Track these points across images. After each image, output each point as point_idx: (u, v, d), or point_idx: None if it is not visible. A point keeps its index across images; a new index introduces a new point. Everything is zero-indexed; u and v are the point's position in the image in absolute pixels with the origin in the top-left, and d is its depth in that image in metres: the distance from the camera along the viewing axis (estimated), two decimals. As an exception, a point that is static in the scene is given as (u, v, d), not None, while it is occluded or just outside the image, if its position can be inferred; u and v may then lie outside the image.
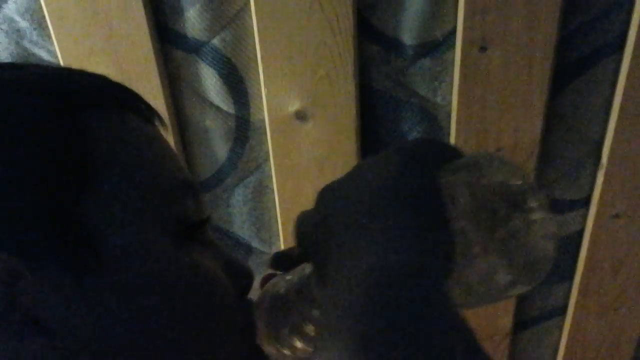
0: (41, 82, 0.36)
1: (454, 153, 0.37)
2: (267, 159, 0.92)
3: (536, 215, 0.32)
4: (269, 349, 0.43)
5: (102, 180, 0.34)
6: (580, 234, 1.02)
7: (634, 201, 0.96)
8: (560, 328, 1.14)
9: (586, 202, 0.99)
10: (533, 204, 0.32)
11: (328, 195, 0.37)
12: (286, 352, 0.42)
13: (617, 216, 0.98)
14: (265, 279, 0.47)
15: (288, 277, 0.44)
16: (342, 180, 0.37)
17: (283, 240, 0.98)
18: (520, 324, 1.14)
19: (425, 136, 0.36)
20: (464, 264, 0.32)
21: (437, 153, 0.36)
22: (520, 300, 1.09)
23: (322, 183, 1.01)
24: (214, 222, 0.99)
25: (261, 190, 0.95)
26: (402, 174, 0.34)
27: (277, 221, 0.97)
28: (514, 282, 0.33)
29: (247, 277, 0.43)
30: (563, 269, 1.07)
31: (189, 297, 0.37)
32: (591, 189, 0.97)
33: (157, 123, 0.42)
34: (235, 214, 0.98)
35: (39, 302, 0.31)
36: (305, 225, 0.38)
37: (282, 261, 0.45)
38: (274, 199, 0.95)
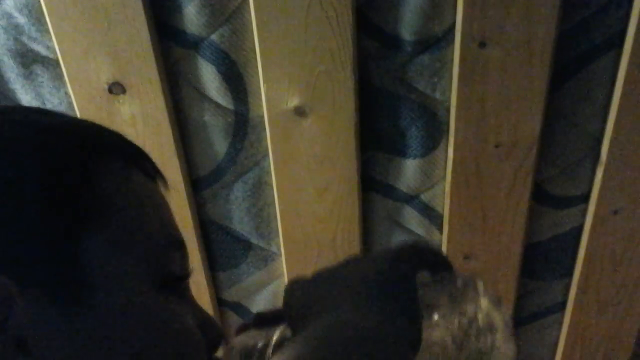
0: (64, 127, 0.40)
1: (436, 258, 0.43)
2: (266, 155, 0.92)
3: (499, 338, 0.38)
4: None
5: (103, 226, 0.37)
6: (579, 230, 1.02)
7: (633, 197, 0.96)
8: (560, 324, 1.15)
9: (585, 198, 0.99)
10: (498, 326, 0.38)
11: (321, 281, 0.42)
12: None
13: (616, 212, 0.98)
14: (239, 330, 0.50)
15: (258, 336, 0.47)
16: (337, 267, 0.43)
17: (282, 235, 0.98)
18: (520, 320, 1.14)
19: (411, 241, 0.42)
20: None
21: (419, 259, 0.42)
22: (519, 296, 1.09)
23: (321, 179, 1.01)
24: (213, 218, 0.99)
25: (260, 186, 0.95)
26: (386, 277, 0.39)
27: (276, 217, 0.97)
28: None
29: (219, 336, 0.46)
30: (562, 265, 1.07)
31: (163, 345, 0.39)
32: (590, 185, 0.97)
33: (160, 183, 0.46)
34: (234, 210, 0.98)
35: (26, 326, 0.33)
36: (294, 296, 0.43)
37: (260, 321, 0.49)
38: (273, 194, 0.95)
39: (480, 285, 0.39)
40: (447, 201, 0.96)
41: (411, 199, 0.97)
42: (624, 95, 0.86)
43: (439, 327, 0.37)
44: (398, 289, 0.38)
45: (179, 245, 0.43)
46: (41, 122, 0.40)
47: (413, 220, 1.00)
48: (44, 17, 0.81)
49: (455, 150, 0.90)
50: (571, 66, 0.86)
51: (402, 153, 0.93)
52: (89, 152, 0.39)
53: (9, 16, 0.82)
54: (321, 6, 0.79)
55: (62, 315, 0.34)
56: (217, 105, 0.88)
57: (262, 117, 0.89)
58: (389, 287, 0.39)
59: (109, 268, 0.37)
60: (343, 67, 0.83)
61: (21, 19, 0.82)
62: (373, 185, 0.96)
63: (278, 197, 0.95)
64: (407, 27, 0.82)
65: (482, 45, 0.82)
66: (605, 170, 0.93)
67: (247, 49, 0.84)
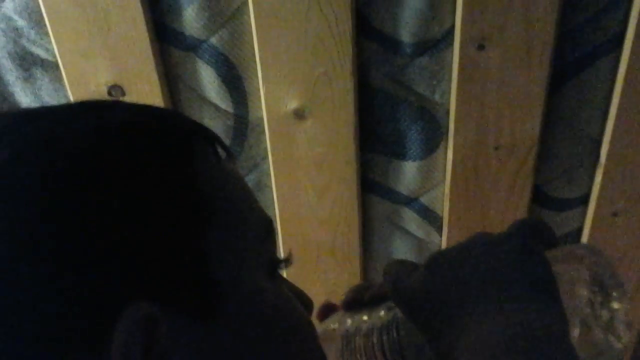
0: (151, 124, 0.36)
1: (553, 235, 0.41)
2: (265, 157, 0.92)
3: (618, 304, 0.37)
4: None
5: (217, 220, 0.35)
6: (579, 232, 1.02)
7: (633, 199, 0.96)
8: (559, 326, 1.14)
9: (585, 200, 0.98)
10: (616, 293, 0.38)
11: (443, 266, 0.39)
12: None
13: (615, 214, 0.98)
14: (324, 312, 0.50)
15: (359, 320, 0.46)
16: (456, 253, 0.40)
17: (281, 238, 0.98)
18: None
19: (531, 220, 0.40)
20: None
21: (544, 237, 0.40)
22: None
23: (320, 181, 1.00)
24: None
25: (260, 189, 0.95)
26: (520, 259, 0.37)
27: (275, 219, 0.97)
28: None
29: (311, 305, 0.45)
30: (562, 267, 1.07)
31: (289, 328, 0.39)
32: (590, 187, 0.97)
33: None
34: (234, 213, 0.98)
35: (171, 347, 0.31)
36: (406, 284, 0.40)
37: (351, 304, 0.48)
38: (273, 197, 0.95)
39: (595, 255, 0.39)
40: (447, 203, 0.96)
41: (411, 202, 0.97)
42: (623, 97, 0.86)
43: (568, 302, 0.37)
44: (537, 271, 0.36)
45: (271, 225, 0.41)
46: (121, 122, 0.34)
47: (412, 222, 1.00)
48: (44, 20, 0.81)
49: (454, 153, 0.90)
50: (570, 68, 0.86)
51: (402, 155, 0.93)
52: (186, 144, 0.36)
53: (9, 19, 0.82)
54: (320, 8, 0.79)
55: (202, 329, 0.33)
56: (217, 107, 0.88)
57: (262, 119, 0.89)
58: (527, 270, 0.36)
59: (232, 266, 0.35)
60: (342, 69, 0.83)
61: (21, 22, 0.82)
62: (372, 187, 0.96)
63: (277, 199, 0.95)
64: (407, 29, 0.82)
65: (481, 47, 0.82)
66: (604, 173, 0.93)
67: (247, 51, 0.84)
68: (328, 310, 0.50)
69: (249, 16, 0.81)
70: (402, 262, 0.43)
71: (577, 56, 0.85)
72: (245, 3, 0.80)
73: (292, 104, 0.86)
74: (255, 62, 0.84)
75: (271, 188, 0.94)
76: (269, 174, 0.93)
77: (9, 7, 0.81)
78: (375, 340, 0.44)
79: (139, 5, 0.79)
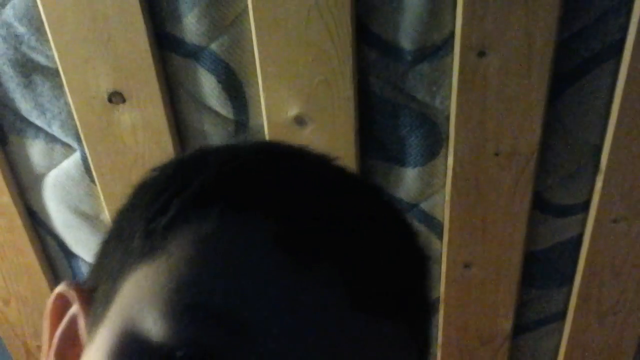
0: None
1: None
2: (265, 164, 0.92)
3: None
4: None
5: None
6: (579, 238, 1.02)
7: (633, 206, 0.96)
8: (560, 332, 1.14)
9: (585, 206, 0.98)
10: None
11: None
12: None
13: (616, 221, 0.98)
14: None
15: None
16: None
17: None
18: (520, 328, 1.14)
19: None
20: None
21: None
22: (520, 304, 1.09)
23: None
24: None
25: (260, 195, 0.95)
26: None
27: (276, 226, 0.97)
28: None
29: None
30: (563, 274, 1.07)
31: None
32: (590, 193, 0.97)
33: None
34: (234, 219, 0.98)
35: None
36: None
37: None
38: (273, 203, 0.95)
39: None
40: (447, 210, 0.96)
41: (411, 208, 0.97)
42: (623, 103, 0.86)
43: None
44: None
45: None
46: None
47: (413, 228, 0.99)
48: (44, 27, 0.81)
49: (454, 159, 0.90)
50: (570, 75, 0.86)
51: (402, 162, 0.93)
52: None
53: (9, 26, 0.82)
54: (320, 15, 0.79)
55: None
56: (217, 114, 0.88)
57: (262, 126, 0.88)
58: None
59: None
60: (342, 76, 0.83)
61: (21, 29, 0.82)
62: (373, 193, 0.96)
63: (278, 205, 0.94)
64: (407, 36, 0.82)
65: (481, 54, 0.82)
66: (604, 179, 0.93)
67: (247, 58, 0.84)
68: None
69: (250, 23, 0.81)
70: None
71: (577, 63, 0.85)
72: (246, 10, 0.80)
73: (293, 111, 0.86)
74: (255, 68, 0.84)
75: (271, 194, 0.94)
76: (269, 181, 0.93)
77: (9, 14, 0.81)
78: None
79: (139, 12, 0.79)
